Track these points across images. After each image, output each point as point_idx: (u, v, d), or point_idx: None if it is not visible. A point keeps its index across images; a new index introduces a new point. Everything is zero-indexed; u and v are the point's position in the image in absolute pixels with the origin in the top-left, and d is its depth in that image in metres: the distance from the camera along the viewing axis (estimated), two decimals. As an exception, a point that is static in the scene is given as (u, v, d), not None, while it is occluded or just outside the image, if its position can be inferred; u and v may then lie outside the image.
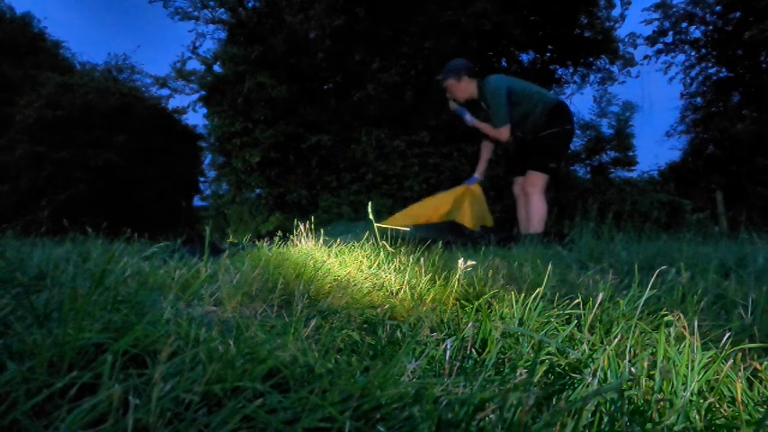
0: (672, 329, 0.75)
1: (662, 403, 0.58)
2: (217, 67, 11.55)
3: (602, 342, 0.78)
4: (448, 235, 2.99)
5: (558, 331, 0.86)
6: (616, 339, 0.73)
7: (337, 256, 1.72)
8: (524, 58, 11.28)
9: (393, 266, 1.47)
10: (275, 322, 0.85)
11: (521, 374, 0.67)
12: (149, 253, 1.38)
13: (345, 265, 1.59)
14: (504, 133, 3.48)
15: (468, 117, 3.61)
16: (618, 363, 0.68)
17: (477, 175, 3.90)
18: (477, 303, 0.97)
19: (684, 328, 0.75)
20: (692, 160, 12.43)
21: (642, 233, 2.91)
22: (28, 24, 14.23)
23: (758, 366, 0.67)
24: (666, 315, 0.87)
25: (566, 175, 11.19)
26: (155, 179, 8.33)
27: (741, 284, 1.32)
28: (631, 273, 1.26)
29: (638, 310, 0.84)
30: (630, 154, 14.12)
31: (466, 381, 0.59)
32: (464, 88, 3.59)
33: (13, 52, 12.06)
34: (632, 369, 0.66)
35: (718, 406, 0.60)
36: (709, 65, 12.28)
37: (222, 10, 11.53)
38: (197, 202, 11.98)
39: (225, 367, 0.54)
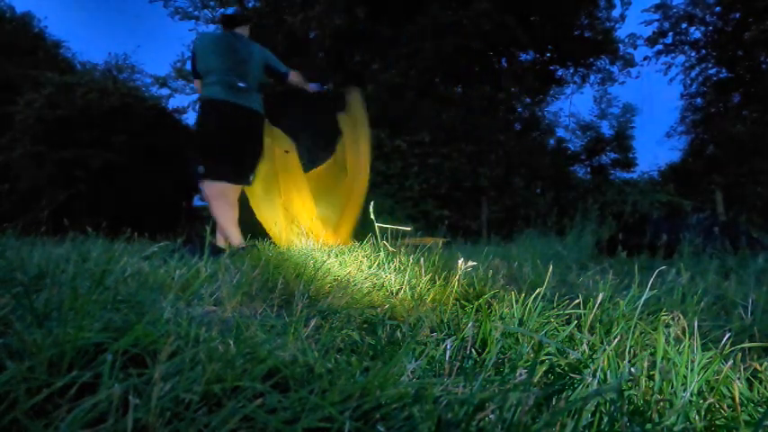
0: (672, 330, 0.75)
1: (662, 404, 0.58)
2: (217, 67, 11.52)
3: (601, 342, 0.78)
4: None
5: (557, 331, 0.86)
6: (616, 340, 0.72)
7: (337, 256, 1.72)
8: (524, 57, 11.29)
9: (393, 266, 1.47)
10: (275, 322, 0.85)
11: (521, 374, 0.67)
12: (149, 253, 1.37)
13: (345, 265, 1.59)
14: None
15: (313, 85, 3.17)
16: (618, 363, 0.68)
17: None
18: (477, 303, 0.97)
19: (684, 328, 0.75)
20: (692, 161, 12.42)
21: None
22: (28, 24, 14.23)
23: (758, 367, 0.67)
24: (666, 315, 0.87)
25: (566, 176, 11.18)
26: (155, 179, 8.32)
27: (741, 285, 1.32)
28: (631, 273, 1.25)
29: (638, 310, 0.84)
30: (630, 156, 14.17)
31: (466, 381, 0.59)
32: None
33: (13, 52, 12.05)
34: (632, 369, 0.66)
35: (717, 406, 0.60)
36: (709, 65, 12.27)
37: (222, 10, 11.54)
38: (197, 202, 11.95)
39: (225, 367, 0.54)
